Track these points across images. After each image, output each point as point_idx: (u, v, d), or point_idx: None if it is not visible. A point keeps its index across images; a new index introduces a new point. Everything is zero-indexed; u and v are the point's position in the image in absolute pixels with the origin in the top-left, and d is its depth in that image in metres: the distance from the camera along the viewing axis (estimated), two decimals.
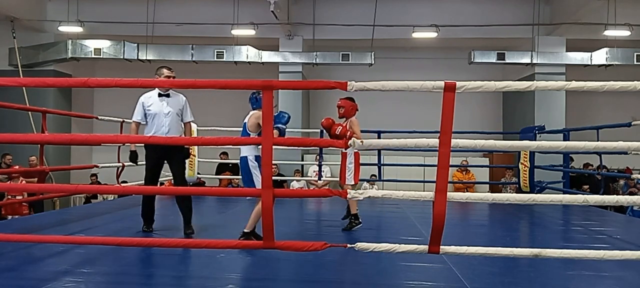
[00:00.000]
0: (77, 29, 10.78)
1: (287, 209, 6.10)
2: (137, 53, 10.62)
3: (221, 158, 10.15)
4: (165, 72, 4.60)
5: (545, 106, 10.66)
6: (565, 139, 7.90)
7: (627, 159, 9.84)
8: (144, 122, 4.57)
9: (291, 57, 11.04)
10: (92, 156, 12.16)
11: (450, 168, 2.67)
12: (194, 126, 8.52)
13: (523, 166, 8.40)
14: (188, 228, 4.51)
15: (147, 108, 4.56)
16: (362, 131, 8.25)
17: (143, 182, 4.68)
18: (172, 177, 4.72)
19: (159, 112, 4.53)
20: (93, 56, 10.91)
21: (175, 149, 4.57)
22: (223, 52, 10.70)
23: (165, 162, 4.64)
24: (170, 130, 4.52)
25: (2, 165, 8.16)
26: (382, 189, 8.94)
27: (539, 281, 3.14)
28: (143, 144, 4.55)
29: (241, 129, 4.09)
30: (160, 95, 4.60)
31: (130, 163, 4.97)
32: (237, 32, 10.62)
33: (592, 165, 10.11)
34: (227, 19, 10.59)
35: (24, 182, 7.52)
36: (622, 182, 9.45)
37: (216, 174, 9.73)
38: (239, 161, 4.18)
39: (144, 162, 4.58)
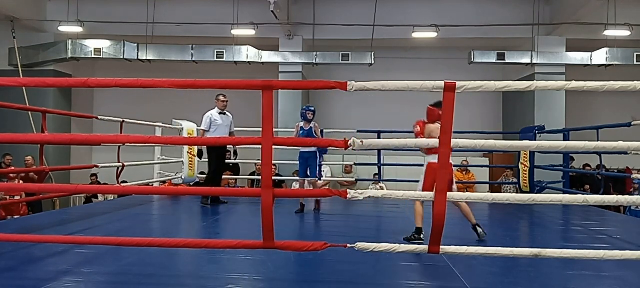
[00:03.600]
0: (77, 29, 10.78)
1: (287, 209, 6.10)
2: (137, 53, 10.61)
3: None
4: (221, 97, 6.56)
5: (545, 106, 10.66)
6: (565, 139, 7.90)
7: (627, 159, 9.83)
8: (208, 130, 6.45)
9: (291, 57, 11.04)
10: (92, 156, 12.17)
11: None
12: (193, 126, 8.55)
13: (523, 166, 8.40)
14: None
15: (214, 121, 6.46)
16: (362, 131, 8.36)
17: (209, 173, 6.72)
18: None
19: (221, 125, 6.48)
20: (93, 56, 10.91)
21: (226, 151, 6.97)
22: (223, 52, 10.70)
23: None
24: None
25: (2, 165, 8.15)
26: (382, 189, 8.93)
27: (539, 281, 3.14)
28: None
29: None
30: (219, 113, 6.53)
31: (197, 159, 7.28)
32: (237, 32, 10.62)
33: (590, 166, 10.09)
34: (227, 19, 10.59)
35: (21, 182, 7.51)
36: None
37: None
38: (300, 154, 6.02)
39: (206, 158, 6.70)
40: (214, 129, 6.47)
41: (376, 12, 10.15)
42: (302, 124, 5.95)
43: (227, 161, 10.08)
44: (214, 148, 6.55)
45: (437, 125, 4.44)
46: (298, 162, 6.11)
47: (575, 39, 10.64)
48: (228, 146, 7.06)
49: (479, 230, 4.37)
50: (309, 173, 6.04)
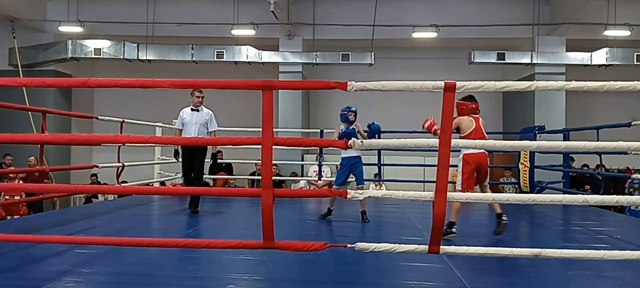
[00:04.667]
0: (77, 29, 10.78)
1: (287, 209, 6.10)
2: (137, 53, 10.62)
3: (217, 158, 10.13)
4: (196, 93, 5.87)
5: (545, 106, 10.66)
6: (565, 139, 7.90)
7: (627, 159, 9.83)
8: (182, 129, 5.88)
9: (291, 57, 11.04)
10: (92, 156, 12.17)
11: (450, 168, 2.66)
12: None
13: (523, 166, 8.39)
14: (195, 208, 5.72)
15: (183, 119, 5.86)
16: None
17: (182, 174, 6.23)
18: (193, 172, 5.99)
19: (189, 122, 5.81)
20: (93, 56, 10.92)
21: (199, 150, 5.90)
22: (223, 52, 10.70)
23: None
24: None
25: (2, 165, 8.15)
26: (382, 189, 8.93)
27: (539, 281, 3.14)
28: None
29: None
30: (192, 109, 5.88)
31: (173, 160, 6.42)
32: (237, 32, 10.62)
33: (587, 166, 10.08)
34: (227, 19, 10.60)
35: (20, 182, 7.51)
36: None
37: (209, 174, 9.68)
38: (343, 159, 5.33)
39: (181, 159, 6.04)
40: (184, 127, 5.90)
41: (376, 12, 10.15)
42: (342, 126, 5.25)
43: (219, 161, 10.16)
44: (182, 147, 6.00)
45: (469, 117, 4.51)
46: (339, 168, 5.46)
47: (575, 39, 10.65)
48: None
49: (503, 218, 4.40)
50: (355, 181, 5.35)
